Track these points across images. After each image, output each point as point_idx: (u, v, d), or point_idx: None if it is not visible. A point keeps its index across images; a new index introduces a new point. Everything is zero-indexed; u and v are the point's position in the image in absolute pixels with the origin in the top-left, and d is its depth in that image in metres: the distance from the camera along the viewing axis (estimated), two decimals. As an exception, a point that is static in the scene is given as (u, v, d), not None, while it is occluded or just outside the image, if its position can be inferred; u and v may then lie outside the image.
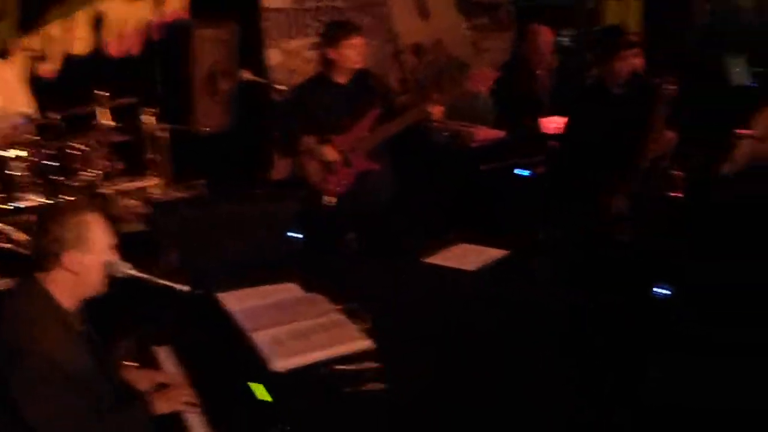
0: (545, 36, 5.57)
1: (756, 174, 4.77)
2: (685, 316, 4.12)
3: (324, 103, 4.43)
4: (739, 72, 8.06)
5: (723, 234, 4.37)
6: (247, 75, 4.34)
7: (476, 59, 7.24)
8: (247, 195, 4.61)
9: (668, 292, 4.48)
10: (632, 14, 8.37)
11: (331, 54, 4.40)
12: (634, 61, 4.19)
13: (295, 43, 6.37)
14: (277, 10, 6.25)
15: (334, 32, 4.47)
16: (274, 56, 6.25)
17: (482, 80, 4.61)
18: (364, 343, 2.64)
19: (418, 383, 2.47)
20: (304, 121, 4.39)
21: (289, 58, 6.33)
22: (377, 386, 2.41)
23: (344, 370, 2.50)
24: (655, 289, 4.46)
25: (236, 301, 3.04)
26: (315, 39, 6.36)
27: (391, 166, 4.68)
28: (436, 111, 4.40)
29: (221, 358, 2.76)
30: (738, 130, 4.74)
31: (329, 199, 4.35)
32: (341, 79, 4.47)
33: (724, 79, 7.77)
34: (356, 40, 4.41)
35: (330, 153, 4.37)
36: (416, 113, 4.51)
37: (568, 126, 4.59)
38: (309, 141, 4.36)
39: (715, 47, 8.27)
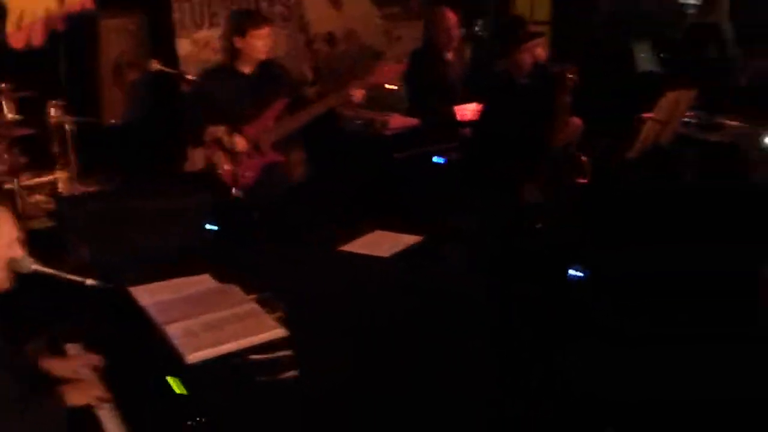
0: (450, 17, 5.62)
1: (657, 157, 4.94)
2: (597, 305, 4.25)
3: (228, 92, 4.38)
4: (644, 58, 8.32)
5: (625, 218, 4.52)
6: (156, 65, 4.26)
7: (389, 48, 7.28)
8: (159, 187, 4.53)
9: (582, 275, 4.61)
10: (540, 2, 8.55)
11: (238, 43, 4.36)
12: (536, 52, 4.27)
13: (204, 33, 6.27)
14: (185, -1, 6.15)
15: (242, 21, 4.43)
16: (183, 46, 6.15)
17: (387, 74, 4.64)
18: (278, 332, 2.64)
19: (333, 371, 2.48)
20: (209, 110, 4.33)
21: (199, 48, 6.24)
22: (292, 374, 2.42)
23: (258, 359, 2.49)
24: (570, 272, 4.58)
25: (148, 295, 2.98)
26: (226, 28, 6.29)
27: (304, 154, 4.67)
28: (357, 94, 4.41)
29: (134, 353, 2.72)
30: (642, 115, 4.89)
31: (236, 191, 4.31)
32: (246, 68, 4.43)
33: (631, 65, 8.00)
34: (264, 30, 4.38)
35: (238, 143, 4.32)
36: (336, 98, 4.52)
37: (481, 114, 4.64)
38: (216, 131, 4.30)
39: (621, 34, 8.52)
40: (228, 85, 4.40)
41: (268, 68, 4.52)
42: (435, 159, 5.33)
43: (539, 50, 4.22)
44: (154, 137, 5.76)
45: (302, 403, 2.33)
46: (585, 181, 4.02)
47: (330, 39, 6.97)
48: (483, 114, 4.47)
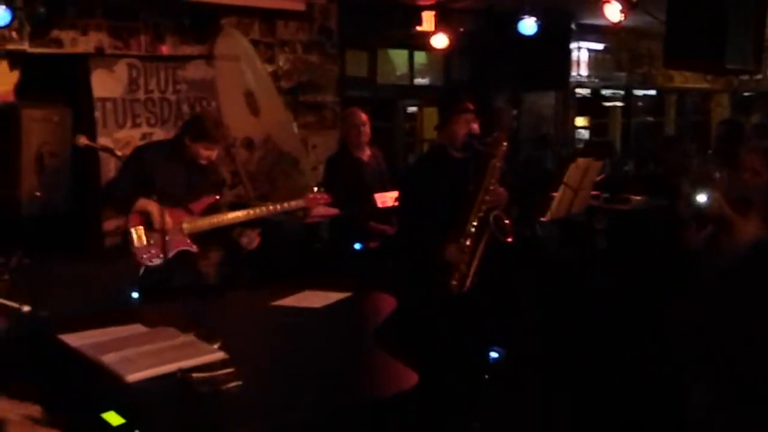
0: (361, 116, 5.81)
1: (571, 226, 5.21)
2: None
3: (168, 169, 4.38)
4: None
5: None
6: (84, 140, 4.20)
7: (305, 155, 7.49)
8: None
9: (498, 355, 4.71)
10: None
11: (187, 142, 4.39)
12: (471, 125, 4.33)
13: (125, 133, 6.36)
14: (108, 99, 6.24)
15: (199, 132, 4.42)
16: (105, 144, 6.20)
17: (316, 201, 4.94)
18: (219, 355, 2.65)
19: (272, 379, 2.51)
20: (143, 180, 4.29)
21: (119, 147, 6.29)
22: (234, 385, 2.43)
23: (200, 376, 2.49)
24: (490, 354, 4.66)
25: (80, 339, 2.95)
26: (147, 129, 6.41)
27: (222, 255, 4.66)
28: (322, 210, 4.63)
29: (67, 399, 2.64)
30: (552, 193, 5.19)
31: (142, 268, 4.25)
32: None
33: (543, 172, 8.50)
34: (212, 151, 4.43)
35: (167, 222, 4.23)
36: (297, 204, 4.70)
37: (404, 196, 4.69)
38: (148, 203, 4.25)
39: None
40: (169, 164, 4.41)
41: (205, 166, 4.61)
42: (356, 246, 5.46)
43: (474, 125, 4.30)
44: (77, 224, 5.70)
45: (246, 406, 2.34)
46: (509, 240, 4.15)
47: (249, 144, 7.14)
48: (412, 192, 4.50)
